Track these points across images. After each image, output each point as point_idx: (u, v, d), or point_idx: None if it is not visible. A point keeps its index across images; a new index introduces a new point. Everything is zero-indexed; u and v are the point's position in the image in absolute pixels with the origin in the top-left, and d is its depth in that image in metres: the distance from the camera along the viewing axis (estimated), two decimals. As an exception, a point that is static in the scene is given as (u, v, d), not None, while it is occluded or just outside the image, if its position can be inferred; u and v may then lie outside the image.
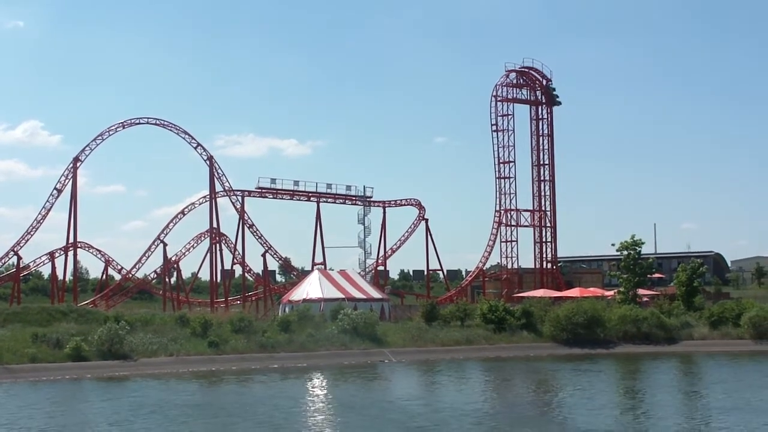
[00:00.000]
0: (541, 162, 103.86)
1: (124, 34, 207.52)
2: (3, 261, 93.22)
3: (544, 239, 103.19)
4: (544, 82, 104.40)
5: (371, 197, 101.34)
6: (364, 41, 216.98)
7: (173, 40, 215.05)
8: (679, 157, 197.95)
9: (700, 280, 76.49)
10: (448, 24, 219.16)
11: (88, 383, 45.09)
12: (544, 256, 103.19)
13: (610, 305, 70.12)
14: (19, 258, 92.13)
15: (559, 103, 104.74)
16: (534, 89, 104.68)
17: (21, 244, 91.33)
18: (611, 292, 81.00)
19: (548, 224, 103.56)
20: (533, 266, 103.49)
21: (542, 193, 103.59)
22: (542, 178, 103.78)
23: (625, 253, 76.28)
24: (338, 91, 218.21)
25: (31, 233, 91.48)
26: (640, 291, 76.50)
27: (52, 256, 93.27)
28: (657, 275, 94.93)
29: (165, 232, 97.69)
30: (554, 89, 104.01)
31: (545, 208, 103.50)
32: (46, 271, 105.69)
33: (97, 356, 50.96)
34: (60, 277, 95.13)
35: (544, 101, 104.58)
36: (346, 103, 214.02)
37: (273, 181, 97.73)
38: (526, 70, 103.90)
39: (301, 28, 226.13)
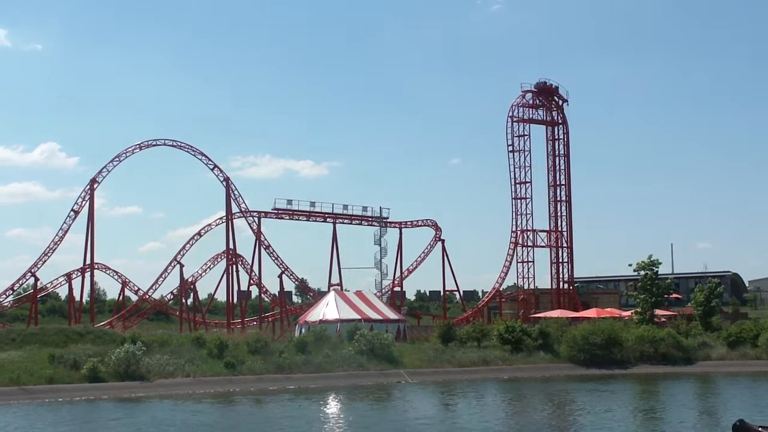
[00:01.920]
0: (558, 182, 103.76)
1: (141, 56, 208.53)
2: (20, 282, 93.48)
3: (560, 260, 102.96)
4: (561, 103, 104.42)
5: (387, 218, 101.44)
6: (380, 62, 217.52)
7: (189, 63, 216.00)
8: (696, 176, 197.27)
9: (717, 300, 76.04)
10: (464, 44, 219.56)
11: (105, 404, 45.08)
12: (561, 276, 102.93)
13: (627, 326, 69.86)
14: (37, 279, 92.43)
15: (567, 102, 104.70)
16: (550, 110, 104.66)
17: (38, 266, 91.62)
18: (628, 313, 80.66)
19: (565, 244, 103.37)
20: (550, 287, 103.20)
21: (559, 214, 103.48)
22: (558, 199, 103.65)
23: (642, 273, 75.92)
24: (354, 112, 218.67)
25: (49, 254, 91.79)
26: (658, 311, 76.08)
27: (69, 277, 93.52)
28: (674, 295, 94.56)
29: (182, 253, 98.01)
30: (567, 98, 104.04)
31: (562, 228, 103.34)
32: (63, 292, 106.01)
33: (113, 377, 51.05)
34: (77, 298, 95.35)
35: (560, 121, 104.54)
36: (362, 124, 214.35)
37: (289, 202, 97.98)
38: (543, 90, 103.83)
39: (317, 50, 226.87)
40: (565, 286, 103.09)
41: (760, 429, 28.42)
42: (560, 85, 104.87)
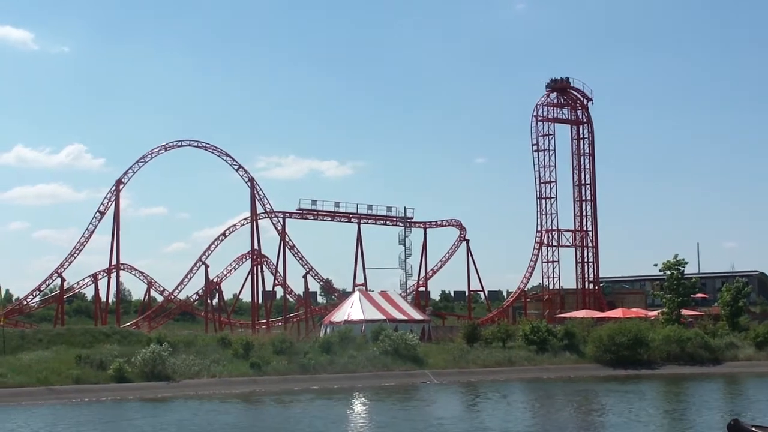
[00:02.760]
0: (583, 182, 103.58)
1: (167, 57, 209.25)
2: (47, 283, 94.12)
3: (585, 259, 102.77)
4: (585, 102, 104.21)
5: (412, 218, 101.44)
6: (405, 62, 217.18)
7: (214, 63, 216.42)
8: (723, 175, 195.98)
9: (744, 300, 75.54)
10: (489, 44, 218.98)
11: (131, 404, 45.29)
12: (586, 276, 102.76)
13: (653, 326, 69.66)
14: (63, 280, 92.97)
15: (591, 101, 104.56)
16: (575, 109, 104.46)
17: (65, 266, 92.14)
18: (654, 313, 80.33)
19: (590, 244, 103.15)
20: (575, 287, 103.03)
21: (584, 213, 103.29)
22: (584, 198, 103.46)
23: (668, 273, 75.59)
24: (378, 112, 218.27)
25: (75, 255, 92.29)
26: (684, 311, 75.76)
27: (95, 277, 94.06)
28: (701, 295, 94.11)
29: (207, 253, 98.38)
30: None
31: (587, 228, 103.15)
32: (89, 292, 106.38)
33: (140, 377, 51.24)
34: (103, 298, 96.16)
35: (584, 121, 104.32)
36: (387, 124, 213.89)
37: (314, 202, 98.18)
38: (567, 89, 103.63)
39: (341, 50, 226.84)
40: (591, 285, 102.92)
41: (754, 428, 28.96)
42: (585, 84, 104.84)
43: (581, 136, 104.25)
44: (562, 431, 35.64)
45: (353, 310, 73.40)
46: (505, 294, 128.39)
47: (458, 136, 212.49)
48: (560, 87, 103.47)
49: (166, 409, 43.40)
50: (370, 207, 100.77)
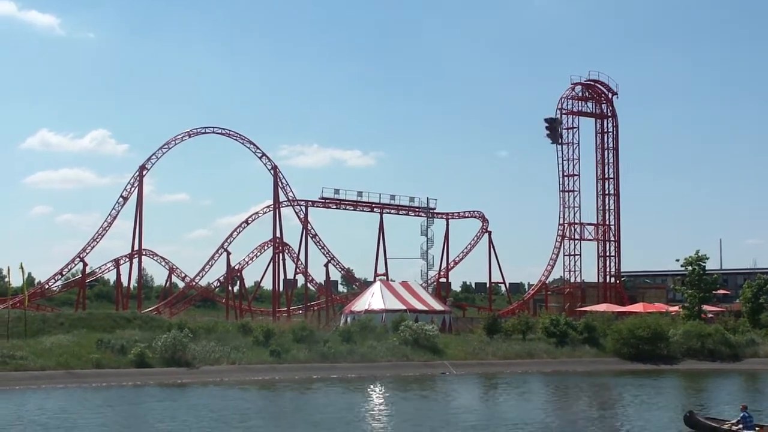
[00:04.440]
0: (606, 176, 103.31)
1: (191, 45, 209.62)
2: (69, 267, 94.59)
3: (607, 253, 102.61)
4: (610, 96, 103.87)
5: (434, 209, 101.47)
6: (429, 54, 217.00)
7: (239, 52, 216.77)
8: (746, 171, 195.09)
9: (766, 296, 75.29)
10: (513, 36, 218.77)
11: (151, 389, 45.46)
12: (608, 270, 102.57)
13: (674, 321, 69.50)
14: (85, 264, 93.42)
15: (616, 95, 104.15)
16: (600, 102, 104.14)
17: (87, 251, 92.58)
18: (675, 308, 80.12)
19: (612, 238, 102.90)
20: (596, 280, 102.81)
21: (606, 207, 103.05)
22: (607, 192, 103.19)
23: (690, 268, 75.32)
24: (402, 104, 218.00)
25: (97, 240, 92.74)
26: (705, 307, 75.55)
27: (117, 263, 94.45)
28: (722, 291, 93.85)
29: (229, 240, 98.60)
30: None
31: (609, 222, 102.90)
32: (111, 277, 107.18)
33: (160, 363, 51.42)
34: (125, 283, 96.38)
35: (609, 114, 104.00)
36: (410, 115, 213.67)
37: (336, 191, 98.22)
38: (592, 83, 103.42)
39: (366, 41, 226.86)
40: (612, 280, 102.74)
41: (706, 420, 31.63)
42: (610, 78, 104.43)
43: (605, 130, 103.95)
44: (577, 424, 35.56)
45: (374, 299, 73.44)
46: (526, 286, 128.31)
47: (481, 128, 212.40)
48: (589, 81, 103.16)
49: (185, 395, 43.55)
50: (392, 197, 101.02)
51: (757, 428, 30.31)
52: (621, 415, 38.50)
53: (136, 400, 41.44)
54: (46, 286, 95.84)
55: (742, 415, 30.76)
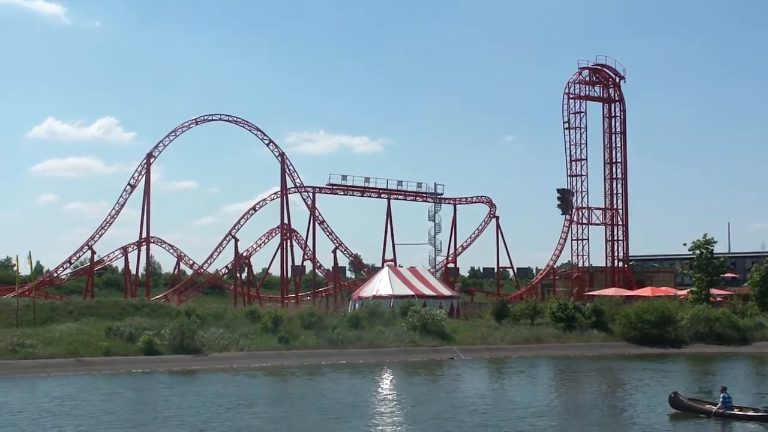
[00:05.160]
0: (614, 160, 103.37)
1: (198, 32, 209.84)
2: (78, 255, 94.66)
3: (615, 237, 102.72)
4: (618, 80, 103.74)
5: (442, 194, 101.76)
6: (434, 39, 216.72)
7: (246, 38, 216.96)
8: (754, 155, 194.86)
9: (774, 280, 75.11)
10: (520, 21, 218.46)
11: (160, 376, 45.62)
12: (616, 254, 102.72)
13: (682, 305, 69.48)
14: (94, 252, 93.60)
15: (623, 79, 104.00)
16: (607, 87, 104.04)
17: (95, 239, 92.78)
18: (684, 292, 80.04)
19: (620, 222, 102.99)
20: (604, 265, 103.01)
21: (614, 191, 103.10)
22: (614, 176, 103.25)
23: (698, 252, 75.27)
24: (409, 89, 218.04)
25: (105, 228, 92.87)
26: (713, 291, 75.51)
27: (125, 250, 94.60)
28: (730, 275, 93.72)
29: (236, 227, 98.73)
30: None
31: (617, 206, 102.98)
32: (119, 265, 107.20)
33: (168, 350, 51.60)
34: (133, 271, 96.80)
35: (616, 99, 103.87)
36: (417, 101, 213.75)
37: (344, 177, 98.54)
38: (599, 67, 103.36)
39: (372, 27, 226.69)
40: (620, 264, 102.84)
41: (690, 401, 32.65)
42: (617, 62, 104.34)
43: (613, 115, 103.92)
44: (584, 407, 35.64)
45: (382, 285, 73.64)
46: (534, 271, 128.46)
47: (488, 114, 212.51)
48: (596, 65, 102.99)
49: (194, 382, 43.66)
50: (400, 183, 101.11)
51: (735, 409, 31.20)
52: (622, 398, 38.74)
53: (145, 387, 41.61)
54: (55, 275, 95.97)
55: (722, 395, 31.52)
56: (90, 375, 45.38)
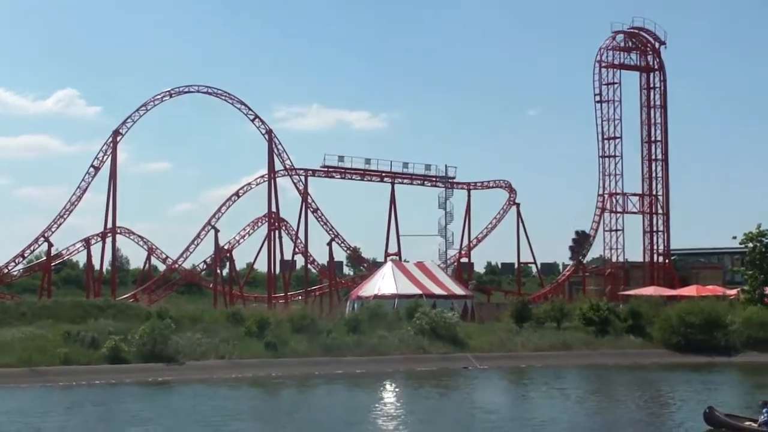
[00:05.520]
0: (653, 138, 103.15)
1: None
2: (32, 248, 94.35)
3: (654, 228, 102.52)
4: (657, 45, 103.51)
5: (454, 178, 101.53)
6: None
7: (226, 1, 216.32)
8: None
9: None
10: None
11: (128, 388, 45.51)
12: (655, 247, 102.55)
13: (732, 306, 69.32)
14: (50, 245, 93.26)
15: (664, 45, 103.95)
16: (645, 53, 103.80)
17: (53, 229, 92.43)
18: (734, 291, 79.88)
19: (660, 211, 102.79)
20: (642, 260, 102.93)
21: (653, 175, 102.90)
22: (653, 157, 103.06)
23: (750, 245, 75.01)
24: (417, 56, 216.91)
25: (64, 217, 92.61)
26: (769, 290, 75.40)
27: (87, 243, 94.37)
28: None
29: (217, 216, 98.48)
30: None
31: (656, 191, 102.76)
32: (80, 260, 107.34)
33: (137, 358, 51.43)
34: (96, 267, 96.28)
35: (656, 67, 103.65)
36: (425, 69, 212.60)
37: (341, 158, 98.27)
38: (636, 31, 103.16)
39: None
40: (660, 259, 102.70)
41: (726, 416, 32.61)
42: (657, 25, 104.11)
43: (652, 86, 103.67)
44: (616, 425, 35.56)
45: (385, 283, 73.68)
46: (560, 267, 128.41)
47: (507, 84, 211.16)
48: (633, 28, 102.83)
49: (166, 394, 43.69)
50: (405, 165, 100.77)
51: None
52: (656, 414, 38.72)
53: (109, 401, 41.51)
54: (5, 271, 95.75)
55: (764, 411, 31.47)
56: (45, 387, 45.29)
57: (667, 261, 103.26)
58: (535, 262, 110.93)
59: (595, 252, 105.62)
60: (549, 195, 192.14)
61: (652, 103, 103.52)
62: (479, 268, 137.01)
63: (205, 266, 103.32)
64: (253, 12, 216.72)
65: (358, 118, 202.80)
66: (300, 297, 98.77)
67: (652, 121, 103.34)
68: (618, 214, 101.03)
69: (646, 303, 70.29)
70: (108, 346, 50.97)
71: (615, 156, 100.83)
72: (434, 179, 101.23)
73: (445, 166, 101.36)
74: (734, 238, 77.80)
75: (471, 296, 78.40)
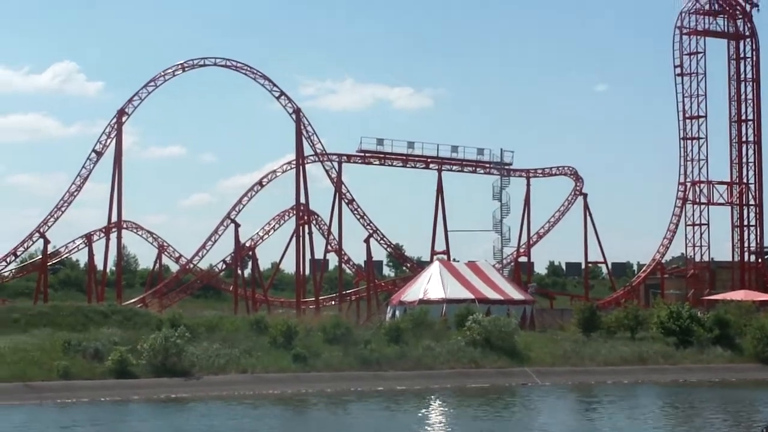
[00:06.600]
0: (743, 117, 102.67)
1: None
2: (26, 245, 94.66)
3: (745, 222, 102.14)
4: (748, 8, 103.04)
5: (511, 164, 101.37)
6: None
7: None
8: None
9: None
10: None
11: (136, 406, 45.85)
12: (746, 245, 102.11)
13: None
14: (47, 241, 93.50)
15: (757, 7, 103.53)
16: (734, 18, 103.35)
17: (49, 224, 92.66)
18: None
19: (752, 202, 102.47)
20: (730, 259, 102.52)
21: (743, 160, 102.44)
22: (744, 140, 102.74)
23: None
24: (467, 23, 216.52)
25: (62, 209, 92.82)
26: None
27: (89, 239, 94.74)
28: None
29: (237, 209, 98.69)
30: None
31: (748, 179, 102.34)
32: (81, 258, 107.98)
33: (147, 372, 51.73)
34: (99, 267, 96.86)
35: (747, 34, 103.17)
36: (477, 38, 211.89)
37: (380, 142, 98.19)
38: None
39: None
40: (752, 258, 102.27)
41: None
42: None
43: (742, 56, 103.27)
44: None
45: (431, 286, 73.81)
46: (635, 268, 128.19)
47: (572, 55, 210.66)
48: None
49: (179, 413, 43.94)
50: (454, 149, 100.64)
51: None
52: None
53: (112, 420, 41.83)
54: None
55: None
56: (41, 405, 45.58)
57: (759, 260, 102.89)
58: (605, 262, 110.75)
59: (675, 250, 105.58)
60: (621, 184, 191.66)
61: (742, 76, 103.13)
62: (540, 268, 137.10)
63: (223, 266, 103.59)
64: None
65: (400, 94, 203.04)
66: (333, 302, 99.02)
67: (743, 97, 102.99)
68: (702, 206, 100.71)
69: (735, 309, 70.03)
70: (113, 359, 51.18)
71: (699, 138, 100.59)
72: (488, 165, 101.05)
73: (501, 150, 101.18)
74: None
75: (531, 301, 78.43)
